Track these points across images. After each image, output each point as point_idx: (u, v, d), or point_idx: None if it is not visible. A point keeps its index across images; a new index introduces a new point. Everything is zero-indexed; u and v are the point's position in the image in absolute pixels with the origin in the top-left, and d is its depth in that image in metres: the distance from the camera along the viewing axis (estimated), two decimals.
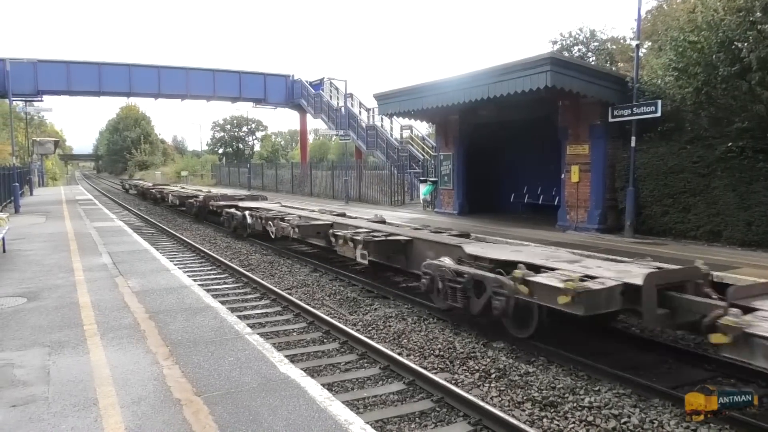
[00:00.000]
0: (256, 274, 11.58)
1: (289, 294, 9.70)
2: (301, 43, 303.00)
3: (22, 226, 15.02)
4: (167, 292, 7.44)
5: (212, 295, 7.87)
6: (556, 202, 15.69)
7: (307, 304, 8.94)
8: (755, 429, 4.91)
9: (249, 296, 9.84)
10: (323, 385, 4.91)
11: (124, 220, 19.96)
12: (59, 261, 9.73)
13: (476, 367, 6.41)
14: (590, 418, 5.16)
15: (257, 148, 79.54)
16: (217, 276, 11.61)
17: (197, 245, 15.23)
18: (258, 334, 6.11)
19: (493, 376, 6.17)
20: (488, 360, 6.63)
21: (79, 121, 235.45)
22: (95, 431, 3.58)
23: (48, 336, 5.52)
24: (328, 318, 8.01)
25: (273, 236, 13.45)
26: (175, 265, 10.46)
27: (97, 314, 6.28)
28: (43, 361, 4.84)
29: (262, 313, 8.71)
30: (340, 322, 7.92)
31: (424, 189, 21.14)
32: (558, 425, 5.08)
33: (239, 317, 7.00)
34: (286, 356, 5.44)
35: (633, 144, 12.47)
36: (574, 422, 5.12)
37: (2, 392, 4.20)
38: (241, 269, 11.65)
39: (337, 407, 3.95)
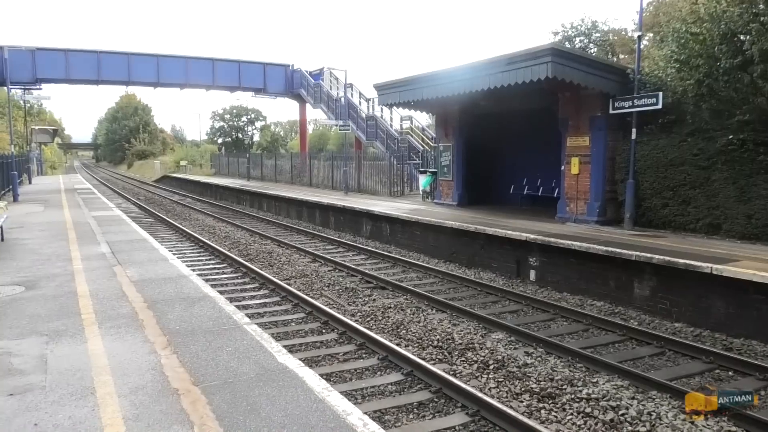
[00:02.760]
0: (254, 264, 11.57)
1: (288, 284, 9.70)
2: (301, 32, 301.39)
3: (20, 215, 14.98)
4: (165, 281, 7.42)
5: (211, 285, 7.85)
6: (555, 194, 15.64)
7: (306, 295, 8.94)
8: (754, 423, 4.92)
9: (248, 286, 9.84)
10: (322, 375, 4.92)
11: (122, 209, 19.92)
12: (57, 250, 9.70)
13: (474, 358, 6.42)
14: (588, 410, 5.17)
15: (256, 138, 79.20)
16: (216, 266, 11.60)
17: (196, 235, 15.21)
18: (256, 324, 6.10)
19: (491, 367, 6.18)
20: (486, 351, 6.64)
21: (78, 110, 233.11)
22: (93, 420, 3.57)
23: (46, 325, 5.51)
24: (326, 308, 8.01)
25: None
26: (174, 254, 10.44)
27: (95, 303, 6.27)
28: (41, 350, 4.83)
29: (260, 303, 8.71)
30: (338, 313, 7.92)
31: (423, 180, 21.05)
32: (556, 416, 5.09)
33: (238, 307, 6.99)
34: (285, 346, 5.43)
35: (633, 136, 12.41)
36: (572, 414, 5.13)
37: (0, 381, 4.20)
38: (239, 259, 11.64)
39: (335, 397, 3.94)
